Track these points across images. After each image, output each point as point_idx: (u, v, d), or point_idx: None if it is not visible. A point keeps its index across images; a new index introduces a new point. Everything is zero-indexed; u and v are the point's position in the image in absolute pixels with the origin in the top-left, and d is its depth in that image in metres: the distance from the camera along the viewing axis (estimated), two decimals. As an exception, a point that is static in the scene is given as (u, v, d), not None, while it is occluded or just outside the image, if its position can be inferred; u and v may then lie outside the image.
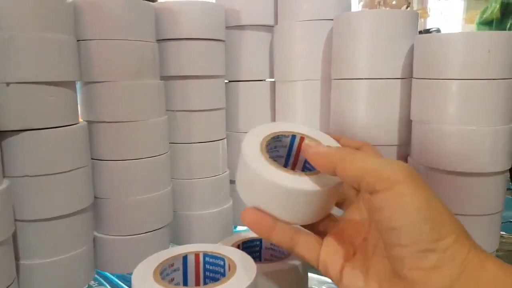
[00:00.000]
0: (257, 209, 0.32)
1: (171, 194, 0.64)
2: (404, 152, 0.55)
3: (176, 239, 0.67)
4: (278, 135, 0.36)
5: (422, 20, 2.09)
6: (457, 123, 0.46)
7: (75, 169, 0.51)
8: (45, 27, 0.46)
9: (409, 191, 0.25)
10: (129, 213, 0.58)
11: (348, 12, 0.60)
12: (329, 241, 0.33)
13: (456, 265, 0.24)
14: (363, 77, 0.53)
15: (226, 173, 0.69)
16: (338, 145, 0.36)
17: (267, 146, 0.35)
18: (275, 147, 0.38)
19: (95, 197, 0.57)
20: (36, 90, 0.47)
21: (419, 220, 0.24)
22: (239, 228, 0.76)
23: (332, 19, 0.60)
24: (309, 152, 0.31)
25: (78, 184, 0.52)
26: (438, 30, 1.95)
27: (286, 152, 0.39)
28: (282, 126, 0.38)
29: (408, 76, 0.53)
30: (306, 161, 0.38)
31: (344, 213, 0.36)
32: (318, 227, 0.36)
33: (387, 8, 1.91)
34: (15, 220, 0.48)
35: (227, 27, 0.67)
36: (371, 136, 0.54)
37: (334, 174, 0.29)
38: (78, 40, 0.53)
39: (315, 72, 0.63)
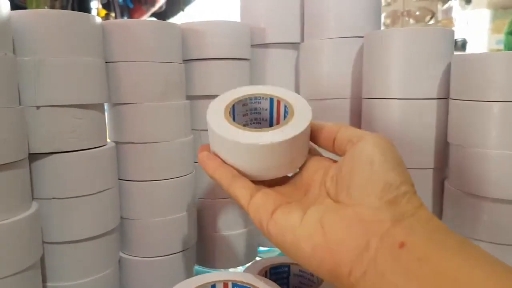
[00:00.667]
0: (210, 152, 0.36)
1: (195, 214, 0.63)
2: (441, 176, 0.53)
3: (201, 260, 0.66)
4: (255, 97, 0.37)
5: (447, 30, 2.05)
6: (500, 148, 0.44)
7: (103, 191, 0.51)
8: (74, 51, 0.46)
9: (384, 143, 0.30)
10: (155, 234, 0.57)
11: (380, 30, 0.58)
12: (267, 189, 0.33)
13: (413, 207, 0.26)
14: (397, 97, 0.51)
15: (252, 192, 0.68)
16: (308, 106, 0.36)
17: (233, 109, 0.36)
18: (255, 109, 0.38)
19: (121, 218, 0.57)
20: (65, 113, 0.47)
21: (391, 162, 0.28)
22: (262, 248, 0.74)
23: (361, 36, 0.59)
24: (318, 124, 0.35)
25: (105, 206, 0.52)
26: (464, 41, 1.91)
27: (269, 114, 0.38)
28: (254, 89, 0.38)
29: (444, 97, 0.51)
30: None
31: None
32: None
33: (411, 20, 1.88)
34: (44, 242, 0.48)
35: (252, 45, 0.66)
36: (405, 159, 0.52)
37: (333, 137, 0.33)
38: (106, 62, 0.53)
39: (344, 90, 0.61)
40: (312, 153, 0.36)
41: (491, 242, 0.45)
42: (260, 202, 0.31)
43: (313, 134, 0.34)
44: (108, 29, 0.52)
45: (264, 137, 0.31)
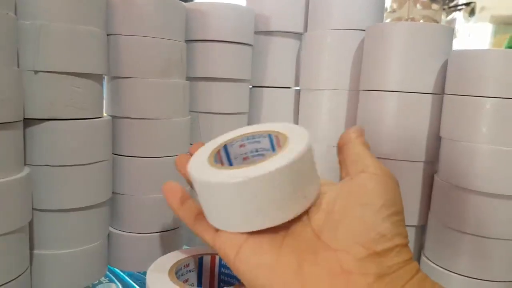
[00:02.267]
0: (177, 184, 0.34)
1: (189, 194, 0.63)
2: (432, 170, 0.53)
3: (192, 242, 0.66)
4: (252, 135, 0.32)
5: (449, 41, 2.06)
6: (490, 143, 0.44)
7: (96, 162, 0.51)
8: (76, 19, 0.46)
9: (386, 180, 0.27)
10: (146, 211, 0.57)
11: (382, 23, 0.59)
12: None
13: (397, 260, 0.24)
14: (394, 90, 0.52)
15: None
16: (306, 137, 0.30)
17: (227, 152, 0.32)
18: (256, 150, 0.33)
19: (113, 193, 0.57)
20: (63, 80, 0.47)
21: (382, 208, 0.25)
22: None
23: (363, 30, 0.59)
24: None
25: (97, 178, 0.52)
26: (465, 52, 1.92)
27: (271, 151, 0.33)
28: (248, 129, 0.33)
29: (440, 92, 0.52)
30: None
31: None
32: None
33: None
34: (33, 209, 0.48)
35: (256, 32, 0.67)
36: (397, 151, 0.52)
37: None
38: (108, 35, 0.53)
39: (343, 82, 0.61)
40: None
41: (477, 235, 0.46)
42: (225, 239, 0.28)
43: None
44: (112, 1, 0.52)
45: (244, 172, 0.25)
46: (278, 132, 0.30)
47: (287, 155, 0.26)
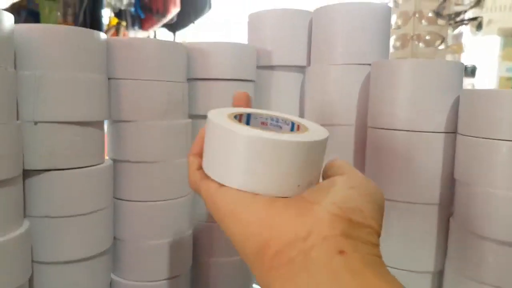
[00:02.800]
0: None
1: (191, 238, 0.61)
2: (447, 213, 0.51)
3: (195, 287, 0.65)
4: (276, 118, 0.34)
5: (457, 55, 2.04)
6: (508, 188, 0.42)
7: (97, 210, 0.49)
8: (76, 66, 0.45)
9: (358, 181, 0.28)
10: (148, 257, 0.56)
11: (388, 59, 0.57)
12: None
13: (368, 239, 0.25)
14: (403, 129, 0.50)
15: (251, 216, 0.66)
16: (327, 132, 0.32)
17: (248, 119, 0.33)
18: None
19: (115, 238, 0.56)
20: (63, 130, 0.46)
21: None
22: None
23: (369, 64, 0.58)
24: None
25: (98, 226, 0.50)
26: (473, 67, 1.90)
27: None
28: (271, 112, 0.35)
29: (452, 131, 0.50)
30: None
31: None
32: None
33: (421, 44, 1.87)
34: (33, 261, 0.47)
35: (258, 67, 0.66)
36: (410, 193, 0.50)
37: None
38: (109, 78, 0.52)
39: (349, 117, 0.60)
40: None
41: (496, 286, 0.43)
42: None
43: None
44: (112, 46, 0.51)
45: (298, 137, 0.28)
46: (299, 123, 0.32)
47: (312, 135, 0.28)
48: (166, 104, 0.54)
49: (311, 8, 0.66)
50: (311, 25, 0.65)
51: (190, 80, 0.60)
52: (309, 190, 0.28)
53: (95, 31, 0.47)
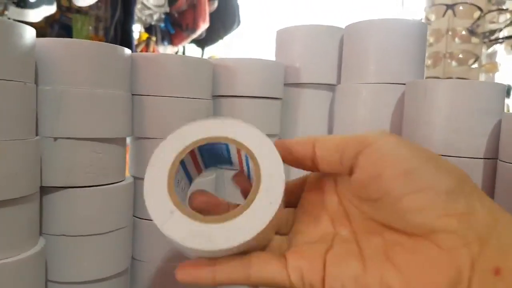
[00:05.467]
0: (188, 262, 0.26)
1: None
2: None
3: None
4: (206, 144, 0.27)
5: (491, 74, 1.97)
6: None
7: (115, 230, 0.48)
8: (98, 82, 0.44)
9: (401, 138, 0.23)
10: (167, 280, 0.53)
11: (424, 80, 0.54)
12: (293, 248, 0.26)
13: (490, 211, 0.21)
14: (439, 153, 0.47)
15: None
16: (278, 156, 0.26)
17: (183, 165, 0.27)
18: (211, 155, 0.29)
19: (133, 258, 0.54)
20: (83, 146, 0.44)
21: (432, 158, 0.22)
22: None
23: (402, 83, 0.55)
24: (285, 144, 0.27)
25: (116, 246, 0.49)
26: (509, 88, 1.83)
27: (227, 156, 0.29)
28: (204, 129, 0.28)
29: (493, 157, 0.46)
30: (249, 170, 0.28)
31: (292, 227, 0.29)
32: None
33: (454, 62, 1.82)
34: (48, 280, 0.45)
35: (286, 84, 0.64)
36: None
37: (312, 155, 0.26)
38: (133, 94, 0.51)
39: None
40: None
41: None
42: (302, 265, 0.24)
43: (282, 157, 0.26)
44: (137, 62, 0.50)
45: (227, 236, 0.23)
46: (240, 144, 0.26)
47: (248, 222, 0.24)
48: (190, 122, 0.52)
49: (342, 24, 0.63)
50: (342, 42, 0.63)
51: (215, 97, 0.58)
52: (378, 211, 0.23)
53: (119, 47, 0.46)
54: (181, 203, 0.25)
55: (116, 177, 0.48)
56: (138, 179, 0.53)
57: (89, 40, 0.44)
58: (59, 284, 0.46)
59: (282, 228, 0.29)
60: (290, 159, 0.27)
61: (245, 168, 0.29)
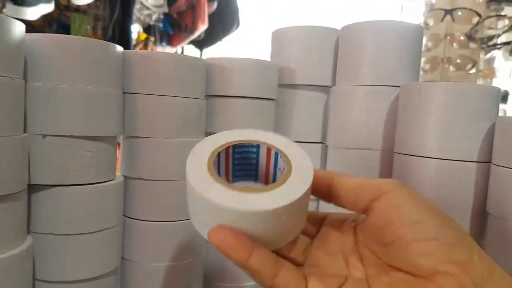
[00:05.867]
0: (229, 227, 0.26)
1: (203, 262, 0.58)
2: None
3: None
4: (240, 144, 0.31)
5: (489, 80, 1.97)
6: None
7: (104, 229, 0.47)
8: (89, 79, 0.44)
9: (416, 191, 0.27)
10: (157, 280, 0.53)
11: (419, 82, 0.54)
12: (314, 270, 0.28)
13: (486, 264, 0.24)
14: (432, 156, 0.46)
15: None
16: (307, 155, 0.30)
17: (218, 160, 0.30)
18: (241, 159, 0.32)
19: (123, 258, 0.53)
20: (72, 144, 0.44)
21: (439, 214, 0.25)
22: None
23: (398, 86, 0.54)
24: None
25: (105, 246, 0.48)
26: (506, 93, 1.83)
27: (255, 164, 0.32)
28: (239, 134, 0.31)
29: (486, 160, 0.46)
30: (275, 172, 0.31)
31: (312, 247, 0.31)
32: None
33: (451, 67, 1.82)
34: (36, 279, 0.45)
35: (281, 85, 0.63)
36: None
37: (328, 189, 0.29)
38: (124, 92, 0.50)
39: (375, 141, 0.56)
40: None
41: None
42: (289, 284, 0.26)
43: None
44: (129, 59, 0.50)
45: (266, 201, 0.26)
46: (270, 145, 0.30)
47: (288, 190, 0.26)
48: (182, 121, 0.52)
49: (338, 25, 0.63)
50: (338, 43, 0.62)
51: (208, 96, 0.58)
52: (389, 253, 0.26)
53: (111, 44, 0.46)
54: (220, 179, 0.27)
55: (106, 176, 0.48)
56: (128, 179, 0.52)
57: (80, 36, 0.43)
58: (47, 283, 0.45)
59: (298, 257, 0.30)
60: None
61: (271, 169, 0.32)
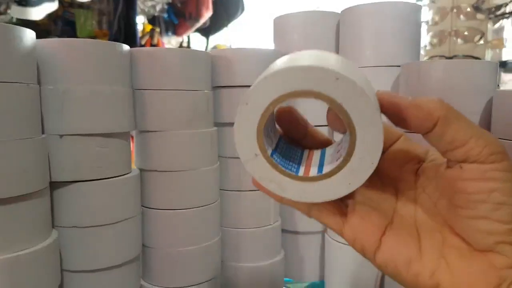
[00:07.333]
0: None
1: (220, 244, 0.61)
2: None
3: None
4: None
5: (498, 50, 1.95)
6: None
7: (124, 220, 0.50)
8: (100, 79, 0.46)
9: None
10: (177, 264, 0.56)
11: (418, 61, 0.55)
12: (357, 205, 0.27)
13: None
14: (433, 134, 0.48)
15: (277, 222, 0.66)
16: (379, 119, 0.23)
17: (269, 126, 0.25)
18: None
19: (144, 245, 0.56)
20: (88, 142, 0.46)
21: None
22: (287, 278, 0.71)
23: (398, 66, 0.55)
24: (395, 100, 0.24)
25: (126, 235, 0.51)
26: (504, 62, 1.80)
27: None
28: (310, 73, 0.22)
29: (486, 135, 0.47)
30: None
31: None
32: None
33: (459, 40, 1.80)
34: (62, 270, 0.48)
35: (286, 71, 0.65)
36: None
37: (429, 129, 0.23)
38: (134, 89, 0.52)
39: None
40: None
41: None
42: (359, 228, 0.26)
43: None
44: (136, 57, 0.52)
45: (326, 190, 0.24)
46: (332, 100, 0.22)
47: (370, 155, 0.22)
48: (191, 113, 0.54)
49: (338, 9, 0.64)
50: (338, 26, 0.64)
51: (215, 88, 0.60)
52: (450, 213, 0.24)
53: (118, 43, 0.48)
54: (266, 150, 0.24)
55: (122, 169, 0.50)
56: (144, 171, 0.55)
57: (88, 39, 0.45)
58: (74, 273, 0.48)
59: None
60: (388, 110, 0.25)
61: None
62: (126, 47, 0.49)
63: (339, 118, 0.23)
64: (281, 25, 0.67)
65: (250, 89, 0.23)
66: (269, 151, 0.25)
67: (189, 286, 0.57)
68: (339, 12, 0.63)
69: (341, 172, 0.23)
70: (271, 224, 0.64)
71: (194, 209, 0.56)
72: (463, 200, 0.23)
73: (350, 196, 0.26)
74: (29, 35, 0.40)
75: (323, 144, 0.30)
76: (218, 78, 0.59)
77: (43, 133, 0.45)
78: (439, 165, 0.25)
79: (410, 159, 0.27)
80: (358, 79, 0.22)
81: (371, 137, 0.23)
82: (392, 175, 0.27)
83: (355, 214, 0.26)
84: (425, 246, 0.25)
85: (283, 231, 0.68)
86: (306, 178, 0.24)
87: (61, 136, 0.45)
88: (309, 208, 0.27)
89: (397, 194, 0.27)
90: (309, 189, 0.24)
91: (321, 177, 0.24)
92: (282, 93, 0.23)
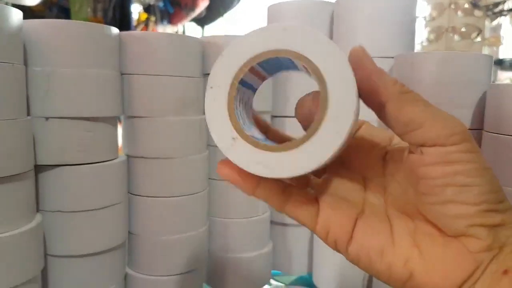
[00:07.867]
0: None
1: (207, 234, 0.60)
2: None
3: (211, 282, 0.64)
4: (269, 58, 0.23)
5: (495, 48, 1.95)
6: (536, 192, 0.39)
7: (109, 206, 0.49)
8: (87, 62, 0.45)
9: (477, 149, 0.23)
10: (163, 252, 0.55)
11: (411, 52, 0.54)
12: (327, 198, 0.26)
13: None
14: (424, 126, 0.47)
15: (266, 214, 0.65)
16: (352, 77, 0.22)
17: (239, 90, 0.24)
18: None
19: (130, 233, 0.55)
20: (74, 125, 0.45)
21: (490, 179, 0.22)
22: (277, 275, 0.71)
23: (391, 57, 0.55)
24: (366, 64, 0.23)
25: (111, 221, 0.50)
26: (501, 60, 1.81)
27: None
28: (263, 38, 0.23)
29: (478, 127, 0.47)
30: None
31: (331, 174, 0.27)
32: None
33: (456, 36, 1.80)
34: (46, 254, 0.47)
35: (278, 60, 0.64)
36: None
37: (380, 108, 0.23)
38: (122, 74, 0.51)
39: (371, 112, 0.57)
40: None
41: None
42: (331, 219, 0.25)
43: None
44: (125, 41, 0.51)
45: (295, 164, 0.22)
46: (306, 59, 0.22)
47: (342, 124, 0.21)
48: (180, 100, 0.53)
49: (332, -1, 0.63)
50: (332, 17, 0.63)
51: (206, 75, 0.59)
52: (419, 199, 0.23)
53: (106, 26, 0.47)
54: (242, 130, 0.24)
55: (108, 155, 0.50)
56: (131, 158, 0.54)
57: (75, 21, 0.44)
58: (57, 258, 0.48)
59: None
60: (364, 86, 0.23)
61: None
62: (115, 30, 0.48)
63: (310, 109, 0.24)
64: (275, 13, 0.66)
65: (210, 73, 0.24)
66: (246, 130, 0.24)
67: (174, 274, 0.56)
68: (334, 1, 0.62)
69: (323, 126, 0.22)
70: (259, 215, 0.64)
71: (182, 197, 0.55)
72: (427, 186, 0.23)
73: (322, 189, 0.26)
74: (15, 14, 0.39)
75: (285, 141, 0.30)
76: (210, 65, 0.58)
77: (28, 115, 0.44)
78: (403, 149, 0.24)
79: (375, 145, 0.26)
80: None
81: (343, 83, 0.22)
82: (360, 164, 0.27)
83: (326, 206, 0.25)
84: (397, 234, 0.24)
85: (272, 222, 0.67)
86: (291, 145, 0.23)
87: (46, 118, 0.44)
88: (283, 203, 0.25)
89: (366, 183, 0.27)
90: (297, 157, 0.23)
91: (304, 138, 0.22)
92: (241, 65, 0.23)
